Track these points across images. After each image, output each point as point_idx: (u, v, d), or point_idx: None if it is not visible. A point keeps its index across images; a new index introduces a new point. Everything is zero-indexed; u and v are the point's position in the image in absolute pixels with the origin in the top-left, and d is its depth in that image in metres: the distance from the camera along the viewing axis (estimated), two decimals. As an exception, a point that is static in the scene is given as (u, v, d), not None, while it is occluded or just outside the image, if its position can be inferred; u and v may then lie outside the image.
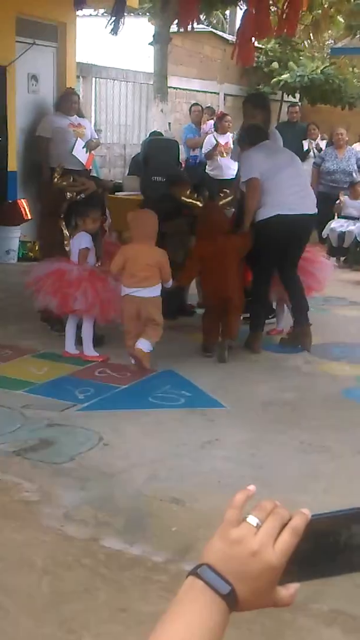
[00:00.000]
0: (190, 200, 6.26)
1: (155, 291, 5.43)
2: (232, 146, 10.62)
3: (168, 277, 5.58)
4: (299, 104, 15.19)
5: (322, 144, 11.72)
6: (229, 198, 6.48)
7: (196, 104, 12.63)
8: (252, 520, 0.97)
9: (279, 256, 5.94)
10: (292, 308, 6.19)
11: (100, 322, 5.65)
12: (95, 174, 9.51)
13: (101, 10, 13.62)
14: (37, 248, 7.72)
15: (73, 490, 3.62)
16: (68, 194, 6.06)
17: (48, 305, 5.54)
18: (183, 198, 6.24)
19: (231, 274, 5.75)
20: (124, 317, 5.41)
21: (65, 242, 5.91)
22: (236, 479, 3.76)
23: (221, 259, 5.69)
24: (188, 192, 6.30)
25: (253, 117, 6.50)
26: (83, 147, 8.84)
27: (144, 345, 5.36)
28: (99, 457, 4.02)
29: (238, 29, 7.96)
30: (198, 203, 6.23)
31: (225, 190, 6.63)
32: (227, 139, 10.72)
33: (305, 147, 11.53)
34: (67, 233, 5.97)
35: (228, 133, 10.83)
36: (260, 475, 3.83)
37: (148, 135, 11.97)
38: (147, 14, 15.03)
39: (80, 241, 5.65)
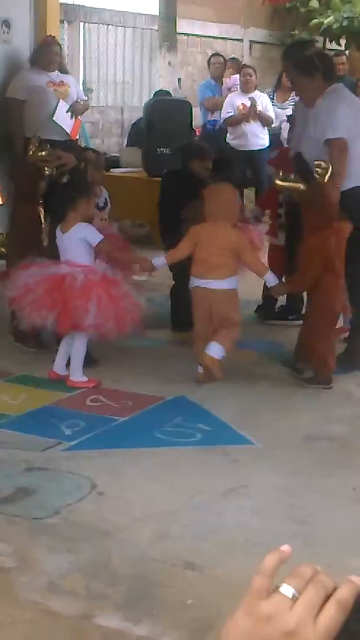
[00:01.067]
0: (289, 184, 6.08)
1: (231, 283, 5.62)
2: (263, 108, 10.64)
3: (259, 266, 5.75)
4: (346, 53, 15.20)
5: None
6: (329, 171, 6.32)
7: (217, 54, 12.68)
8: (287, 590, 0.96)
9: None
10: (353, 311, 6.17)
11: (114, 337, 5.58)
12: (86, 145, 9.55)
13: None
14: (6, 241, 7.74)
15: (59, 553, 3.62)
16: (47, 170, 6.09)
17: (43, 323, 5.45)
18: (278, 182, 6.06)
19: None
20: (194, 316, 5.62)
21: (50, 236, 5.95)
22: (269, 537, 3.73)
23: (342, 253, 5.66)
24: (281, 173, 6.18)
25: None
26: (67, 111, 8.86)
27: (214, 350, 5.53)
28: (92, 510, 4.01)
29: None
30: (300, 186, 6.03)
31: (319, 162, 6.38)
32: (259, 99, 10.71)
33: None
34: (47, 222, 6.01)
35: (256, 92, 10.85)
36: (300, 532, 3.82)
37: (152, 96, 12.03)
38: None
39: (86, 234, 5.60)
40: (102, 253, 5.68)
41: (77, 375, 5.65)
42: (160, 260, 5.79)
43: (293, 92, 11.39)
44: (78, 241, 5.60)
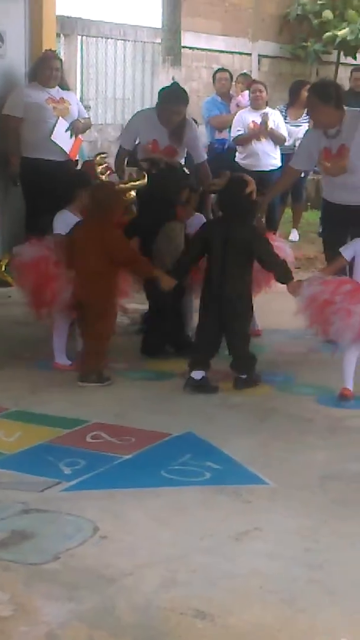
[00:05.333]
0: None
1: None
2: (275, 125, 10.70)
3: None
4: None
5: None
6: None
7: (222, 69, 12.76)
8: None
9: None
10: None
11: None
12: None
13: None
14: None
15: (59, 601, 3.60)
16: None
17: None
18: None
19: None
20: None
21: None
22: (285, 583, 3.72)
23: None
24: None
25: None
26: (67, 130, 8.93)
27: None
28: (94, 554, 3.99)
29: None
30: None
31: None
32: (270, 116, 10.79)
33: None
34: None
35: (267, 109, 10.92)
36: (317, 578, 3.80)
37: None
38: None
39: None
40: None
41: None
42: None
43: (307, 109, 11.53)
44: None
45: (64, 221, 6.76)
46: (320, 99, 6.87)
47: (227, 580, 3.78)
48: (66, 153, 8.92)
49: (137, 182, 6.71)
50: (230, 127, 11.08)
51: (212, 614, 3.50)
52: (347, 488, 4.79)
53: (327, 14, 17.12)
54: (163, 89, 8.33)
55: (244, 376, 6.38)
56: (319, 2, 17.28)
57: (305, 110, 11.50)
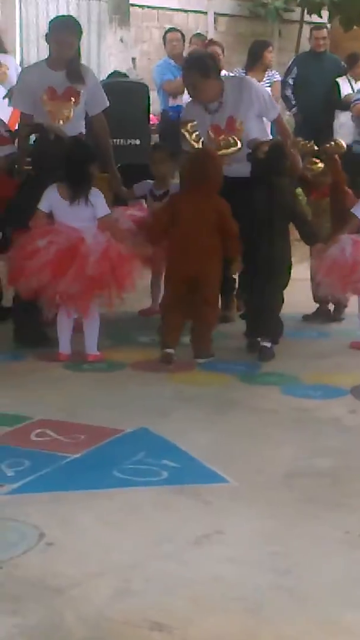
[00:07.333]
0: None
1: None
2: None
3: None
4: (327, 26, 15.31)
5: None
6: None
7: (173, 29, 12.73)
8: None
9: None
10: None
11: None
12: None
13: None
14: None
15: (2, 615, 3.58)
16: None
17: None
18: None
19: None
20: None
21: None
22: (249, 590, 3.73)
23: None
24: None
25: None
26: (4, 97, 8.87)
27: None
28: (40, 563, 3.98)
29: None
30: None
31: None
32: None
33: (347, 91, 11.68)
34: None
35: (224, 72, 10.90)
36: (285, 584, 3.81)
37: (107, 77, 12.06)
38: None
39: None
40: None
41: None
42: None
43: (268, 71, 11.54)
44: None
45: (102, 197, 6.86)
46: (200, 74, 6.92)
47: (186, 589, 3.78)
48: (4, 122, 8.85)
49: (234, 149, 6.73)
50: (184, 92, 11.04)
51: (170, 626, 3.50)
52: (314, 485, 4.80)
53: (289, -31, 17.16)
54: (53, 19, 8.07)
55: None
56: None
57: (266, 73, 11.51)
